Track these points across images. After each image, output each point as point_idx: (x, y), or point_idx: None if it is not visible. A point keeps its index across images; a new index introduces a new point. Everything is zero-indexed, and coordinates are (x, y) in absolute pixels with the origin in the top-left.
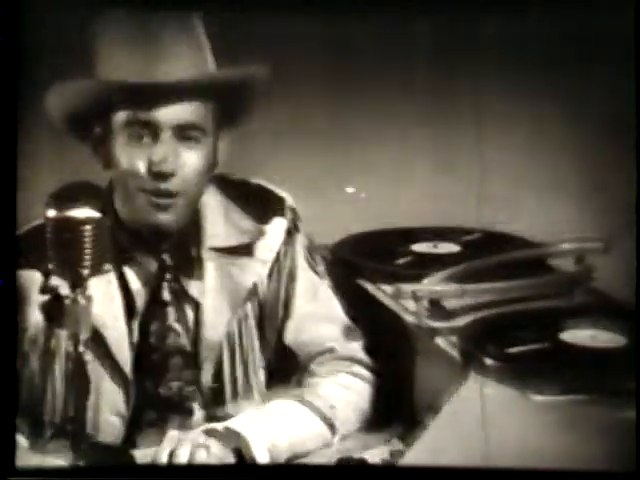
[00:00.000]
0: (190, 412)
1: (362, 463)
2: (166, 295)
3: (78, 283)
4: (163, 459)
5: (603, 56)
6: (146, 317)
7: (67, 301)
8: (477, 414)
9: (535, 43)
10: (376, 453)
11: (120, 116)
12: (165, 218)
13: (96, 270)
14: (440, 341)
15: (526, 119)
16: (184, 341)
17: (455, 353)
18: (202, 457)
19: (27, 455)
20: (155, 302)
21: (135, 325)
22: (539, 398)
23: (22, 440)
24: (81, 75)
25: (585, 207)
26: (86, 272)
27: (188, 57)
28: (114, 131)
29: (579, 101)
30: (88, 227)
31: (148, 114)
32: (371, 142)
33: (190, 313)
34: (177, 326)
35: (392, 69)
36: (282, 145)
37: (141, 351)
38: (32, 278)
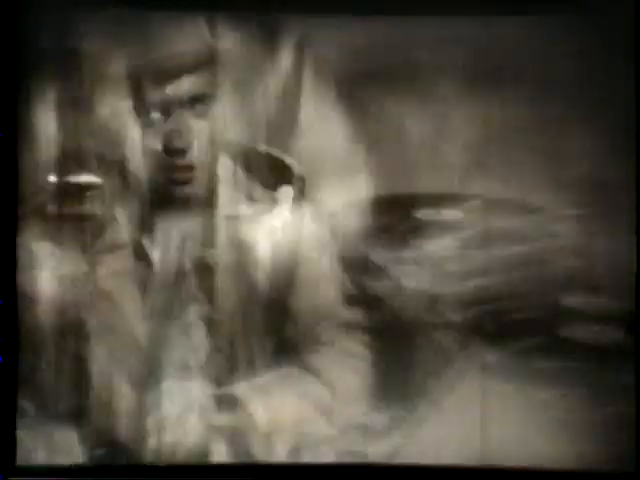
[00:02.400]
0: (217, 381)
1: (362, 458)
2: (188, 264)
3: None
4: None
5: (603, 56)
6: (169, 287)
7: None
8: (477, 409)
9: (535, 43)
10: (376, 446)
11: (128, 100)
12: (186, 192)
13: (101, 236)
14: (441, 336)
15: (527, 118)
16: (208, 309)
17: (456, 348)
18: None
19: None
20: (177, 271)
21: (153, 296)
22: (539, 393)
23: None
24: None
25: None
26: (92, 237)
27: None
28: (124, 113)
29: (579, 101)
30: (91, 192)
31: (156, 93)
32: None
33: (208, 281)
34: (201, 295)
35: None
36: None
37: (165, 321)
38: (45, 250)
